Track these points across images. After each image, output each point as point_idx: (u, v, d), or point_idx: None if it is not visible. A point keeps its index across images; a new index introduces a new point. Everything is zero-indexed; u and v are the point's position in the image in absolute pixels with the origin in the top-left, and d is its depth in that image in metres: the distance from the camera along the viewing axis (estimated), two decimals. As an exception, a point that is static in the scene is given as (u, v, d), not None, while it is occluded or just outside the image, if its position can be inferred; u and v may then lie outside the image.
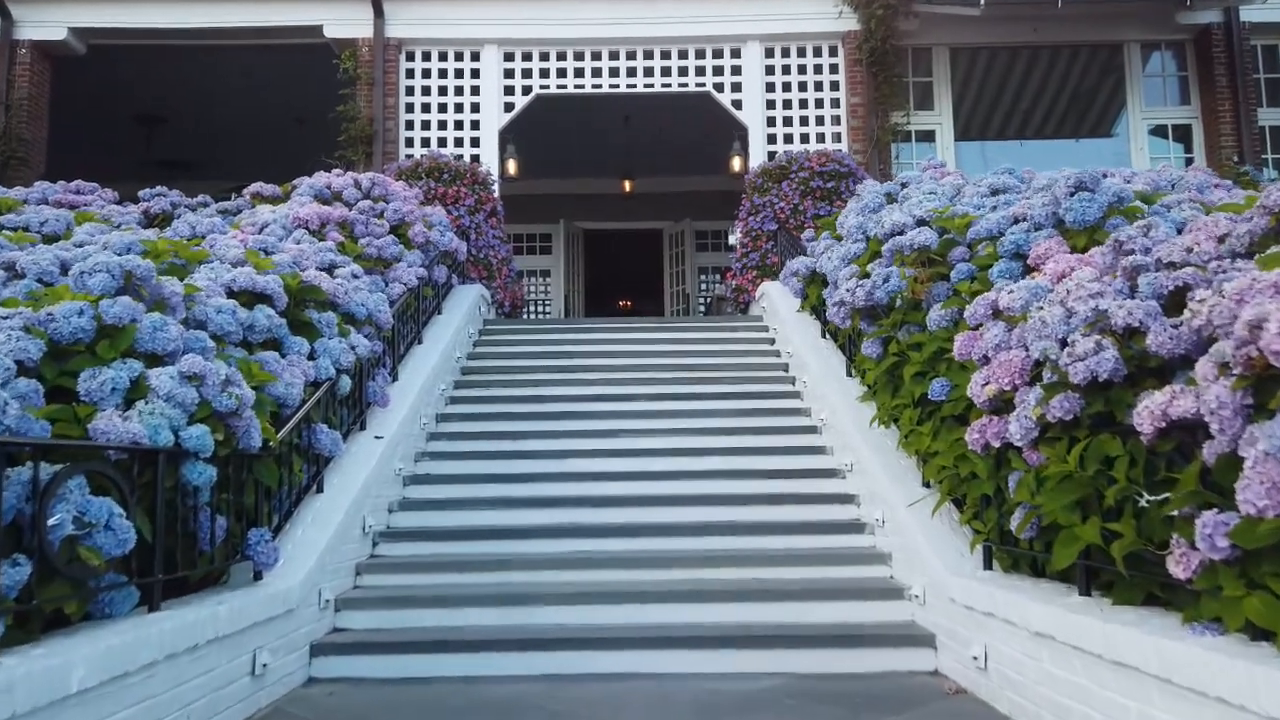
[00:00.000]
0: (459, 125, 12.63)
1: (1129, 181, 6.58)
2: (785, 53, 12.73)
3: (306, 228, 7.21)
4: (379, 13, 12.42)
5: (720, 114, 12.87)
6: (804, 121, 12.60)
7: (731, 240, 12.53)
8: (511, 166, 13.68)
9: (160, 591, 3.52)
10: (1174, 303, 3.41)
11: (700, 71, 12.65)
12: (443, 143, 12.53)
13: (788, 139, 12.54)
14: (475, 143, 12.57)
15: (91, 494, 3.11)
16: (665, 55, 12.67)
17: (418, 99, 12.67)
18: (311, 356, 5.47)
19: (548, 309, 18.06)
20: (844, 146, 12.37)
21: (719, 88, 12.65)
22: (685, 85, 12.70)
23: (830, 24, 12.58)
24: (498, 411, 7.71)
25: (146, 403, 3.64)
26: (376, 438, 6.12)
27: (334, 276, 6.53)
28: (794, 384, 8.15)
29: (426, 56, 12.78)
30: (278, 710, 4.04)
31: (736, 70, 12.65)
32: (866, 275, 5.92)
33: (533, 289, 18.14)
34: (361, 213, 8.19)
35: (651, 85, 12.70)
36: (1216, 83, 12.50)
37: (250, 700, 3.93)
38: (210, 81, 14.21)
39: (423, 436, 7.11)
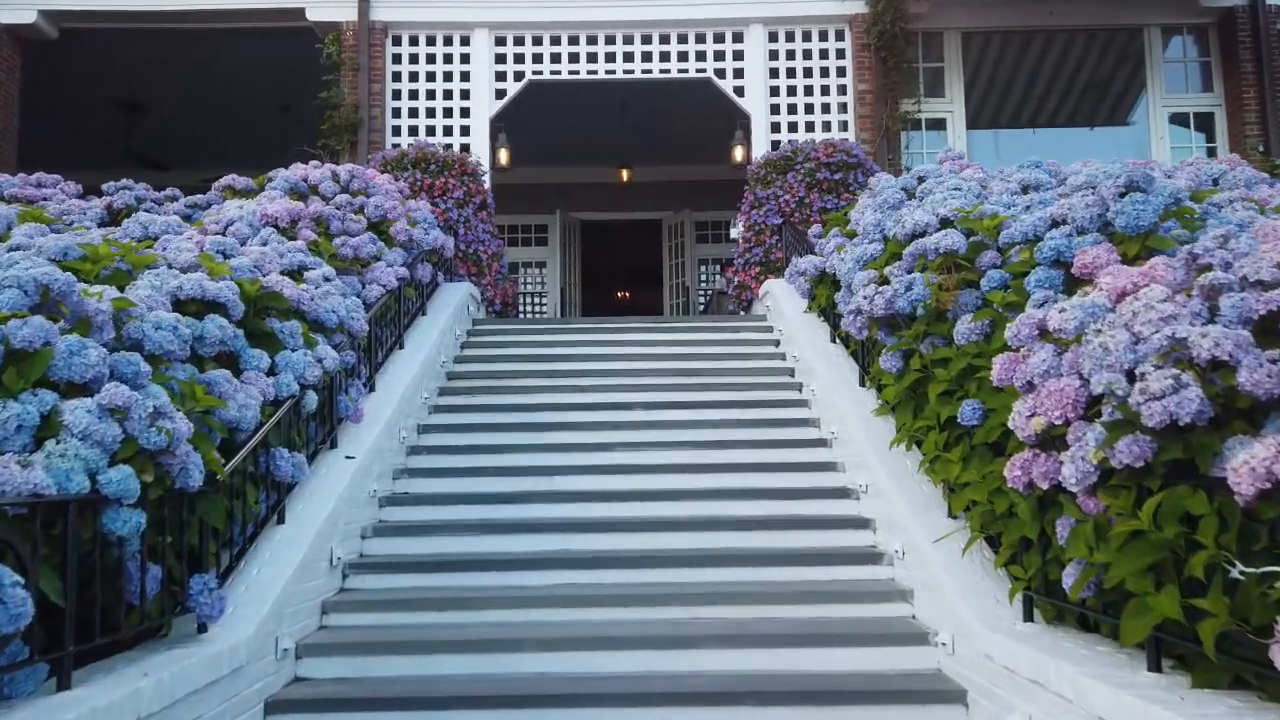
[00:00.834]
0: (448, 113, 12.06)
1: (1170, 177, 6.06)
2: (790, 37, 12.14)
3: (276, 225, 6.67)
4: (364, -6, 11.83)
5: (722, 101, 12.28)
6: (809, 109, 12.03)
7: (733, 234, 11.99)
8: (503, 156, 13.11)
9: (71, 664, 3.01)
10: (1261, 329, 2.89)
11: (701, 57, 12.07)
12: (431, 131, 11.96)
13: (792, 128, 11.97)
14: (465, 131, 12.00)
15: (-25, 562, 2.60)
16: (664, 40, 12.07)
17: (405, 85, 12.09)
18: (273, 371, 4.96)
19: (543, 302, 17.52)
20: (851, 136, 11.81)
21: (720, 74, 12.07)
22: (685, 71, 12.11)
23: (837, 6, 11.99)
24: (484, 423, 7.19)
25: (57, 442, 3.12)
26: (348, 458, 5.59)
27: (303, 279, 6.01)
28: (801, 391, 7.62)
29: (414, 41, 12.19)
30: (219, 788, 3.54)
31: (739, 55, 12.06)
32: (885, 280, 5.39)
33: (528, 281, 17.60)
34: (338, 208, 7.65)
35: (650, 71, 12.12)
36: (1241, 68, 11.93)
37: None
38: (191, 68, 13.62)
39: (402, 451, 6.59)
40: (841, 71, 12.03)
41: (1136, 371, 2.96)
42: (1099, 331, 3.19)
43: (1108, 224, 4.32)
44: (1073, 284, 4.28)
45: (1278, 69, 11.89)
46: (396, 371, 7.00)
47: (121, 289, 4.53)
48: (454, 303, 8.79)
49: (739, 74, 12.03)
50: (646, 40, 12.08)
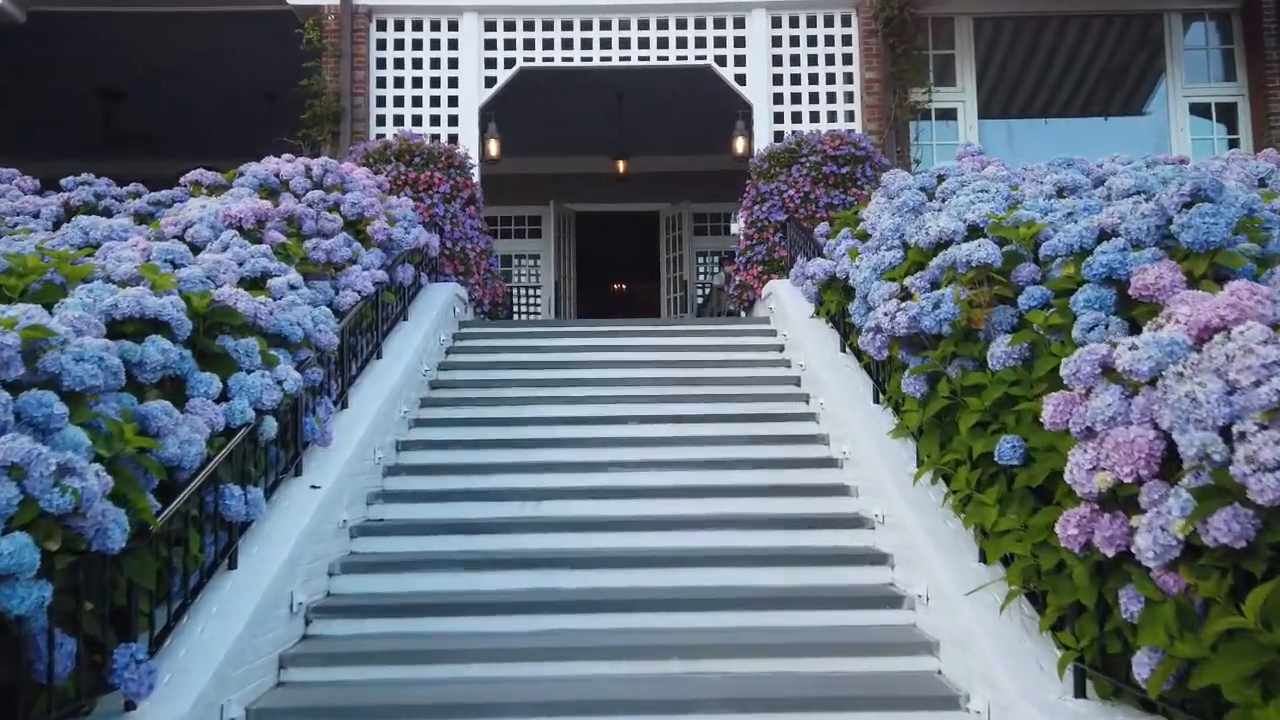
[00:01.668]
0: (435, 102, 11.47)
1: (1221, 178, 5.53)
2: (794, 22, 11.55)
3: (240, 227, 6.13)
4: (347, -24, 11.24)
5: (722, 90, 11.70)
6: (814, 99, 11.45)
7: (734, 229, 11.46)
8: (493, 147, 12.55)
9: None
10: (1386, 377, 2.38)
11: (700, 43, 11.48)
12: (418, 121, 11.38)
13: (795, 118, 11.39)
14: (453, 121, 11.42)
15: None
16: (662, 25, 11.48)
17: (390, 73, 11.50)
18: (226, 396, 4.44)
19: (537, 295, 16.98)
20: (857, 126, 11.24)
21: (721, 61, 11.49)
22: (684, 58, 11.52)
23: (843, -10, 11.44)
24: (468, 439, 6.68)
25: (-64, 509, 2.61)
26: (313, 487, 5.07)
27: (267, 288, 5.48)
28: (807, 403, 7.11)
29: (399, 25, 11.59)
30: None
31: (740, 42, 11.48)
32: (906, 293, 4.87)
33: (522, 274, 17.08)
34: (311, 205, 7.11)
35: (647, 58, 11.52)
36: (1267, 56, 11.37)
37: None
38: (168, 55, 13.03)
39: (377, 472, 6.08)
40: (848, 59, 11.46)
41: (1234, 430, 2.45)
42: (1181, 376, 2.67)
43: (1166, 235, 3.81)
44: (1127, 305, 3.77)
45: (1305, 57, 11.36)
46: (373, 384, 6.47)
47: (50, 307, 4.02)
48: (438, 305, 8.25)
49: (740, 61, 11.45)
50: (643, 25, 11.49)
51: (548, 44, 11.48)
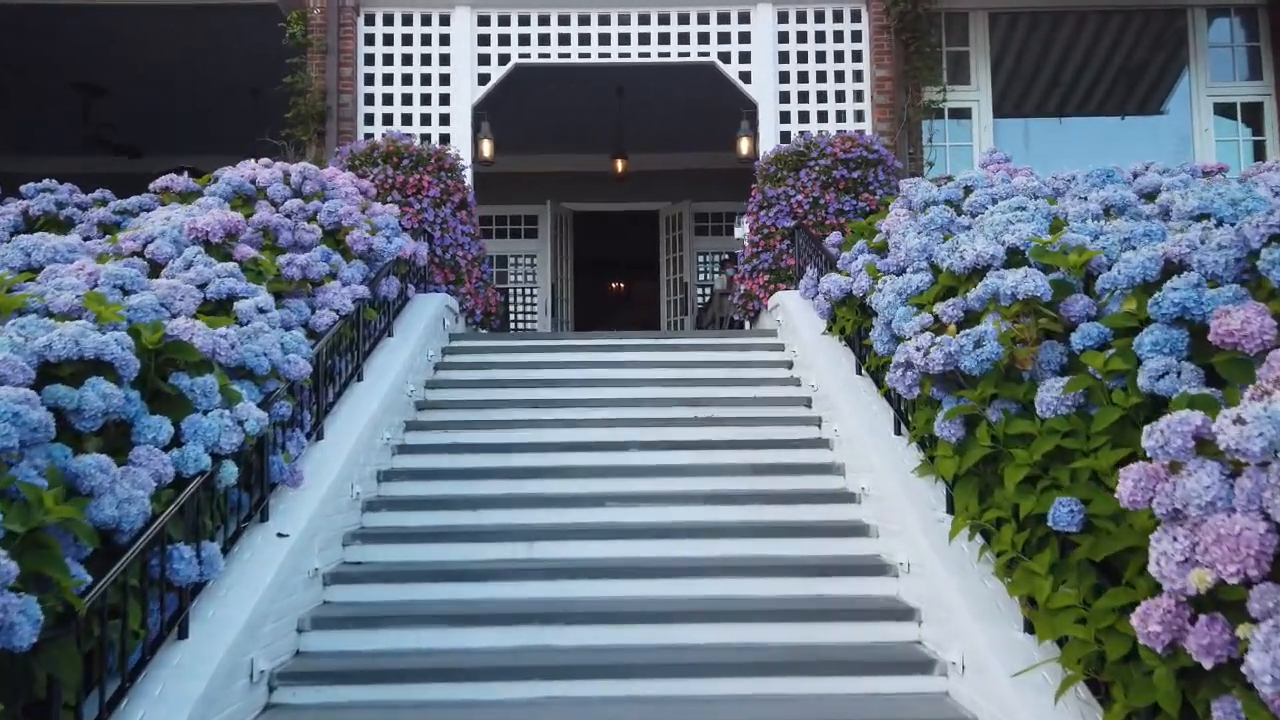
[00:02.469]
0: (426, 100, 10.95)
1: (1244, 182, 5.06)
2: (801, 18, 11.03)
3: (207, 242, 5.64)
4: (333, -33, 10.72)
5: (726, 88, 11.19)
6: (822, 98, 10.93)
7: (738, 233, 10.96)
8: (486, 148, 12.01)
9: None
10: None
11: (704, 39, 10.96)
12: (407, 120, 10.85)
13: (803, 118, 10.87)
14: (445, 120, 10.89)
15: None
16: (663, 20, 10.95)
17: (379, 69, 10.98)
18: (179, 440, 3.96)
19: (533, 295, 16.49)
20: (867, 127, 10.75)
21: (725, 58, 10.97)
22: (686, 55, 11.00)
23: (853, -16, 10.93)
24: (456, 468, 6.21)
25: None
26: (280, 535, 4.59)
27: (234, 312, 5.00)
28: (820, 427, 6.65)
29: (389, 20, 11.07)
30: None
31: (745, 38, 10.96)
32: (938, 323, 4.39)
33: (518, 274, 16.58)
34: (289, 215, 6.63)
35: (648, 55, 10.99)
36: (1294, 54, 10.90)
37: None
38: (146, 51, 12.47)
39: (356, 508, 5.60)
40: (858, 56, 10.95)
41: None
42: (1304, 459, 2.20)
43: (1246, 270, 3.33)
44: (1201, 349, 3.29)
45: (1336, 55, 10.87)
46: (352, 411, 5.99)
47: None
48: (426, 318, 7.76)
49: (745, 58, 10.94)
50: (644, 20, 10.96)
51: (544, 39, 10.97)
